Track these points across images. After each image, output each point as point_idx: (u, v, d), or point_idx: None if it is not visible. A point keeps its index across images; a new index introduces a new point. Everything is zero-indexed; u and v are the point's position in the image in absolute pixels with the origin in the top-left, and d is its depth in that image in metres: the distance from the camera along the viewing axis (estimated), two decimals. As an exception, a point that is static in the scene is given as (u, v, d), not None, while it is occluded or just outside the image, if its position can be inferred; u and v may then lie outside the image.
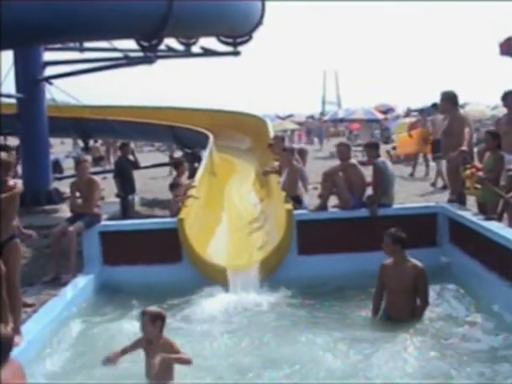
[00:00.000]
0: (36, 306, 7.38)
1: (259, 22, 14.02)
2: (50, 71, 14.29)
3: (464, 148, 8.77)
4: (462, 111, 9.72)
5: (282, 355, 6.17)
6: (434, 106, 17.28)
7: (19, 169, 15.38)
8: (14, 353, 5.62)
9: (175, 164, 11.57)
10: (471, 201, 9.56)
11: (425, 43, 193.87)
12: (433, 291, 7.78)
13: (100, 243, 9.11)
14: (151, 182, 19.86)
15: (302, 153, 11.47)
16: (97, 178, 9.97)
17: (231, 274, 8.51)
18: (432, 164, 18.01)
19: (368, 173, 9.70)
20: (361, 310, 7.37)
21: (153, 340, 5.45)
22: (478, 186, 8.40)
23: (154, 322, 5.40)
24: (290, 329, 6.93)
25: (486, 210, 8.39)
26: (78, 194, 9.19)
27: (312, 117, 53.45)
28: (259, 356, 6.22)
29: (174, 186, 10.71)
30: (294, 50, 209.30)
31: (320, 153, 30.26)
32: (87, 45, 15.39)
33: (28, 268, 9.12)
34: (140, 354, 6.28)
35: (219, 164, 14.73)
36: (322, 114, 56.72)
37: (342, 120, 37.53)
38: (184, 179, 11.03)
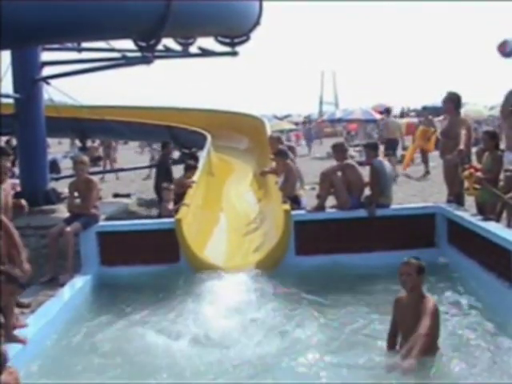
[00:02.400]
0: (33, 307, 7.36)
1: (257, 22, 14.02)
2: (47, 71, 14.24)
3: (461, 148, 8.77)
4: (461, 113, 9.72)
5: (278, 358, 6.15)
6: (387, 111, 22.28)
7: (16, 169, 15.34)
8: (12, 354, 5.62)
9: (187, 166, 11.58)
10: (470, 201, 9.56)
11: (423, 44, 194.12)
12: (432, 292, 7.78)
13: (97, 244, 9.10)
14: (149, 182, 19.85)
15: (291, 150, 11.49)
16: (95, 178, 9.96)
17: (229, 274, 8.51)
18: (432, 164, 18.28)
19: (366, 173, 9.71)
20: (359, 311, 7.34)
21: None
22: (477, 186, 8.41)
23: None
24: (286, 330, 6.90)
25: (484, 211, 8.39)
26: (76, 194, 9.16)
27: (309, 117, 53.46)
28: (254, 358, 6.19)
29: (163, 189, 10.73)
30: (291, 50, 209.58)
31: (309, 156, 29.99)
32: (85, 45, 15.34)
33: (25, 268, 9.09)
34: (139, 353, 6.29)
35: (217, 164, 14.72)
36: (308, 117, 56.54)
37: (339, 120, 37.51)
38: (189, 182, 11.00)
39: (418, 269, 5.49)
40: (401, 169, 19.58)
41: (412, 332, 5.36)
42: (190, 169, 11.32)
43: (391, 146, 19.61)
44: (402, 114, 43.89)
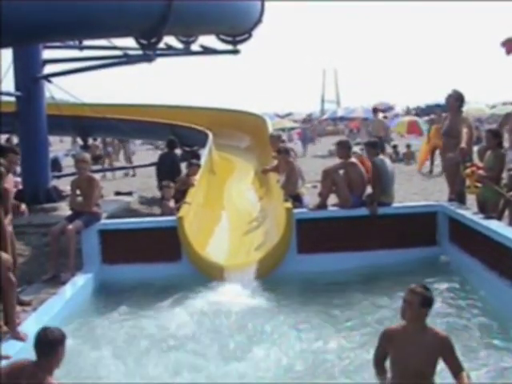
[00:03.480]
0: (34, 305, 7.35)
1: (259, 20, 14.04)
2: (49, 69, 14.27)
3: (463, 146, 8.76)
4: (463, 112, 9.71)
5: (277, 356, 6.14)
6: (374, 110, 23.79)
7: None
8: (14, 352, 5.63)
9: (189, 164, 11.59)
10: (471, 200, 9.55)
11: (424, 42, 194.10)
12: (433, 290, 7.77)
13: (99, 242, 9.09)
14: (150, 180, 19.84)
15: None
16: (96, 176, 9.96)
17: (230, 272, 8.51)
18: (435, 162, 18.39)
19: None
20: (361, 310, 7.34)
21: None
22: (479, 184, 8.40)
23: None
24: (287, 328, 6.89)
25: (486, 209, 8.37)
26: (78, 192, 9.16)
27: (310, 115, 53.49)
28: (254, 355, 6.20)
29: (163, 187, 10.72)
30: (293, 48, 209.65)
31: (304, 157, 29.48)
32: (86, 43, 15.37)
33: (27, 266, 9.10)
34: (139, 352, 6.29)
35: (218, 162, 14.72)
36: (309, 115, 56.62)
37: (341, 118, 37.48)
38: (192, 180, 11.00)
39: (423, 301, 4.70)
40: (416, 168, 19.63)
41: (415, 372, 4.63)
42: (193, 166, 11.33)
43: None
44: (408, 112, 44.04)
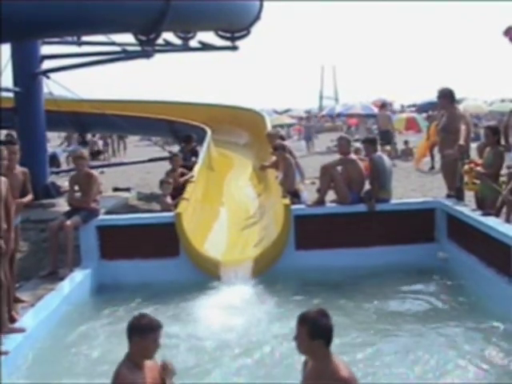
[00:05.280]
0: (32, 301, 7.34)
1: (257, 17, 14.02)
2: (47, 65, 14.26)
3: (462, 143, 8.75)
4: (460, 108, 9.69)
5: (275, 353, 6.15)
6: (382, 106, 24.91)
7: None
8: (11, 347, 5.64)
9: (169, 158, 11.64)
10: (469, 196, 9.56)
11: (423, 38, 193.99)
12: (431, 287, 7.81)
13: (97, 237, 9.07)
14: (148, 176, 19.84)
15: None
16: (95, 172, 9.94)
17: (229, 268, 8.52)
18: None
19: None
20: (358, 307, 7.35)
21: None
22: (477, 181, 8.40)
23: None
24: (285, 324, 6.90)
25: (484, 206, 8.38)
26: (76, 187, 9.14)
27: (309, 112, 53.37)
28: (251, 352, 6.20)
29: (162, 183, 10.74)
30: (291, 44, 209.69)
31: (307, 156, 29.18)
32: (85, 39, 15.35)
33: (25, 262, 9.09)
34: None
35: (217, 159, 14.71)
36: (308, 111, 56.41)
37: (339, 115, 37.43)
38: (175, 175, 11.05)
39: (311, 331, 3.61)
40: (414, 165, 19.59)
41: None
42: (173, 159, 11.43)
43: (384, 137, 21.49)
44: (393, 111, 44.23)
